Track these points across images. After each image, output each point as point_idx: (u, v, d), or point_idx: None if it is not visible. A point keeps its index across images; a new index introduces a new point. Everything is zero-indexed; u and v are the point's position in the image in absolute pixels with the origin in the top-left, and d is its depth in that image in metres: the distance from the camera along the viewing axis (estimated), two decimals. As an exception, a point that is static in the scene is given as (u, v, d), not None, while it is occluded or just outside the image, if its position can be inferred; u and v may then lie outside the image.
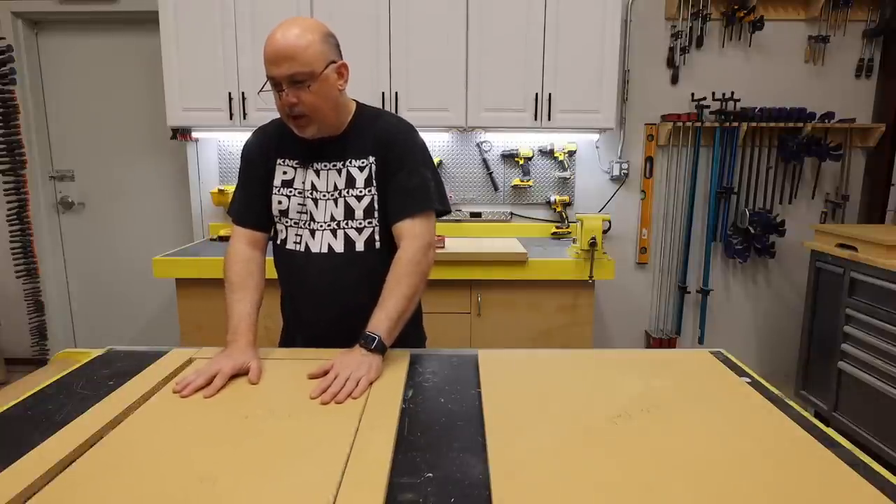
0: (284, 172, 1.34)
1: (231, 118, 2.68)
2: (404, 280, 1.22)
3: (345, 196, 1.31)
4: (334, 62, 1.24)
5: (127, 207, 3.34)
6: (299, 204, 1.33)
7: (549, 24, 2.60)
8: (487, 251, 2.51)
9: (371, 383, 1.07)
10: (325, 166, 1.32)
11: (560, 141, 3.02)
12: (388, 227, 1.32)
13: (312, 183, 1.32)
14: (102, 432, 0.88)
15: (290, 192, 1.34)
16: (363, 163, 1.31)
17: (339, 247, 1.31)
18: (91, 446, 0.84)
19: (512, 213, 3.11)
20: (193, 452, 0.82)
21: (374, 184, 1.31)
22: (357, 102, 1.38)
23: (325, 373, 1.09)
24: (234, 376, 1.10)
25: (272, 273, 1.41)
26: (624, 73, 2.99)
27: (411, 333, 1.41)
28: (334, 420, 0.92)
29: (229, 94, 2.66)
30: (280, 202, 1.34)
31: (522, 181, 3.04)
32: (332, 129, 1.30)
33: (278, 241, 1.38)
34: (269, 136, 1.37)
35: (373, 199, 1.31)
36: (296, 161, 1.34)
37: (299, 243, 1.34)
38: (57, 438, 0.85)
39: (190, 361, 1.20)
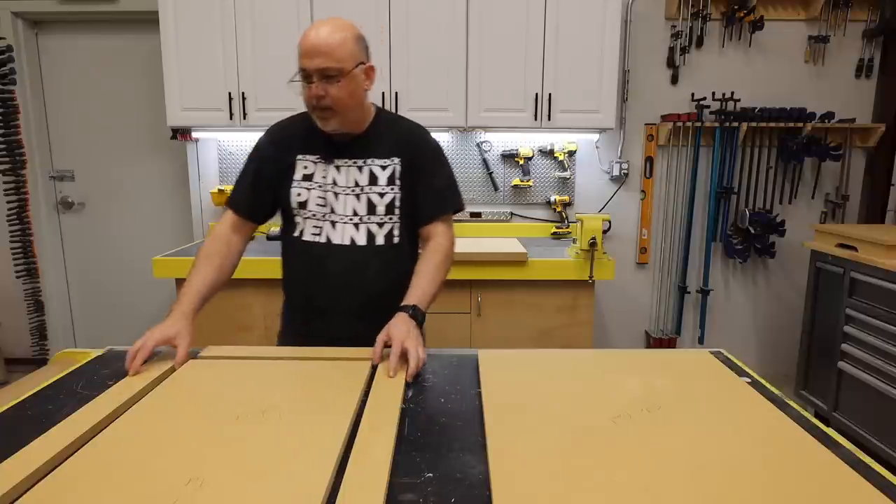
0: (305, 167, 1.40)
1: (231, 118, 2.68)
2: (442, 269, 1.37)
3: (367, 192, 1.38)
4: (363, 63, 1.32)
5: (127, 207, 3.34)
6: (319, 197, 1.39)
7: (549, 24, 2.61)
8: (487, 251, 2.51)
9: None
10: (346, 163, 1.39)
11: (560, 141, 3.02)
12: (407, 223, 1.41)
13: (333, 178, 1.38)
14: (89, 434, 0.88)
15: (311, 185, 1.39)
16: (386, 163, 1.39)
17: (361, 239, 1.38)
18: (80, 447, 0.84)
19: (512, 213, 3.11)
20: (182, 453, 0.82)
21: (398, 183, 1.39)
22: (376, 106, 1.45)
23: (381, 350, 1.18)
24: (227, 378, 1.10)
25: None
26: (624, 73, 2.99)
27: None
28: (326, 422, 0.91)
29: (229, 94, 2.66)
30: (299, 194, 1.39)
31: (522, 181, 3.04)
32: (353, 125, 1.37)
33: (295, 234, 1.41)
34: (288, 134, 1.44)
35: (395, 197, 1.39)
36: (316, 156, 1.40)
37: (319, 234, 1.39)
38: (44, 439, 0.85)
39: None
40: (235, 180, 1.47)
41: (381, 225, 1.38)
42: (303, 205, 1.39)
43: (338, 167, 1.38)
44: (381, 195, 1.38)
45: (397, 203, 1.38)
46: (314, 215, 1.39)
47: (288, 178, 1.40)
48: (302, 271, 1.43)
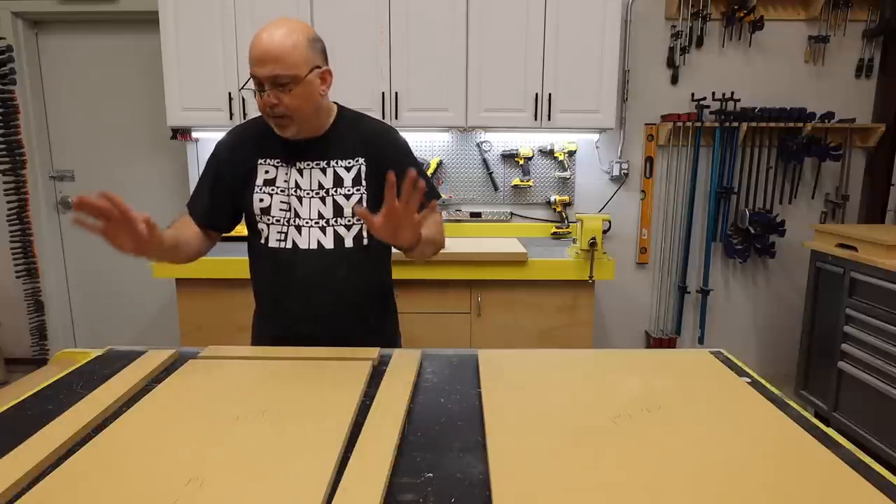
0: (266, 172, 1.35)
1: (231, 118, 2.68)
2: (440, 232, 1.35)
3: (333, 195, 1.34)
4: (318, 67, 1.26)
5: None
6: (282, 202, 1.34)
7: (549, 24, 2.61)
8: (487, 251, 2.51)
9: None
10: (308, 165, 1.34)
11: (560, 141, 3.02)
12: None
13: (296, 181, 1.34)
14: (83, 431, 0.88)
15: (273, 190, 1.34)
16: (350, 163, 1.35)
17: (328, 243, 1.34)
18: (76, 443, 0.85)
19: (512, 213, 3.11)
20: (182, 453, 0.82)
21: (364, 183, 1.35)
22: (337, 105, 1.40)
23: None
24: (226, 378, 1.11)
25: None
26: (624, 73, 2.99)
27: (389, 333, 1.50)
28: (326, 422, 0.92)
29: (229, 94, 2.66)
30: (262, 200, 1.35)
31: (522, 181, 3.04)
32: (312, 130, 1.33)
33: (261, 241, 1.38)
34: (247, 137, 1.39)
35: (362, 198, 1.35)
36: (277, 160, 1.35)
37: (284, 240, 1.35)
38: (40, 437, 0.85)
39: (174, 359, 1.20)
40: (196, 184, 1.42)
41: (349, 227, 1.35)
42: (265, 210, 1.34)
43: (300, 170, 1.34)
44: (348, 197, 1.34)
45: (365, 204, 1.35)
46: (277, 221, 1.34)
47: (249, 183, 1.35)
48: (270, 278, 1.40)
